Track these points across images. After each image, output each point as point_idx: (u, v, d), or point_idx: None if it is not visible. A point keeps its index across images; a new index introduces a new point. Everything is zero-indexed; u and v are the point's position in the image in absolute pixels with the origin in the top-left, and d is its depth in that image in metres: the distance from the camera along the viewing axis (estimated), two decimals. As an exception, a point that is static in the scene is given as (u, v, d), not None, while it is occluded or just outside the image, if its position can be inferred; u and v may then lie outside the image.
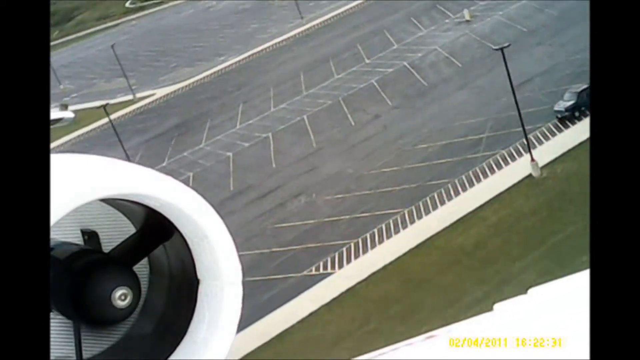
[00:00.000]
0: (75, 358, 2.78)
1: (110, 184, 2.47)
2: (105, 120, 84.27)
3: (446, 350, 2.74)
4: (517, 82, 54.72)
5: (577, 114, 45.10)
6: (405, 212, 41.44)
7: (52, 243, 2.70)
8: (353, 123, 59.34)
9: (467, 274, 33.69)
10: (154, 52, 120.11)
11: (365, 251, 39.22)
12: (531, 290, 2.97)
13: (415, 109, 57.43)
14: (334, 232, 42.53)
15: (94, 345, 2.91)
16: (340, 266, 38.65)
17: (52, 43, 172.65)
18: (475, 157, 45.10)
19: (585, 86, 46.15)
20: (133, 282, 2.66)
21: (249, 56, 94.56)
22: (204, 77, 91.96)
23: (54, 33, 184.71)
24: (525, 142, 42.65)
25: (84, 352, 2.80)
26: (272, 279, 39.49)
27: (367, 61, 74.10)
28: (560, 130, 44.90)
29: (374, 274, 36.47)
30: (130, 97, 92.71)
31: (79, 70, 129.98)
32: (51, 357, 2.45)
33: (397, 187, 45.05)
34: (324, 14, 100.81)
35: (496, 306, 3.01)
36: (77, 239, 2.92)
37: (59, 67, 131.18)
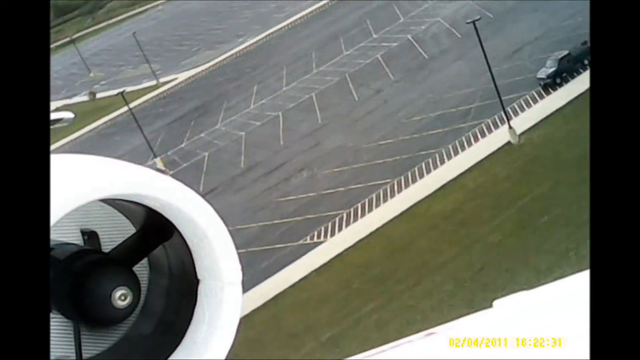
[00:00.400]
0: (75, 358, 2.77)
1: (110, 184, 2.46)
2: (132, 104, 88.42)
3: (446, 348, 2.73)
4: (510, 51, 57.18)
5: (558, 80, 47.23)
6: (395, 182, 44.28)
7: (52, 243, 2.68)
8: (357, 98, 62.10)
9: (442, 237, 36.48)
10: (178, 37, 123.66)
11: (355, 220, 42.22)
12: (532, 290, 2.97)
13: (414, 82, 59.90)
14: (330, 203, 45.57)
15: (94, 345, 2.90)
16: (332, 234, 41.74)
17: (84, 32, 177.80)
18: (463, 126, 47.61)
19: (565, 52, 48.30)
20: (133, 282, 2.65)
21: (266, 36, 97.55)
22: (223, 59, 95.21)
23: (86, 21, 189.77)
24: (509, 111, 45.18)
25: (84, 352, 2.80)
26: (272, 248, 42.76)
27: (375, 36, 76.52)
28: (541, 97, 47.14)
29: (360, 240, 39.48)
30: (154, 82, 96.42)
31: (108, 57, 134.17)
32: (51, 357, 2.47)
33: (390, 159, 47.85)
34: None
35: (496, 303, 2.99)
36: (77, 239, 2.91)
37: (90, 56, 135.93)
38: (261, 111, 69.04)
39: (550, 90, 47.32)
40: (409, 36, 71.27)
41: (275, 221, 46.49)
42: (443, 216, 38.32)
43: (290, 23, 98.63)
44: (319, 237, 42.18)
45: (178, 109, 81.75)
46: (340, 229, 42.09)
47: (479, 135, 45.51)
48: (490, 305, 2.97)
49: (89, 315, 2.65)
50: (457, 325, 2.93)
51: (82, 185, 2.41)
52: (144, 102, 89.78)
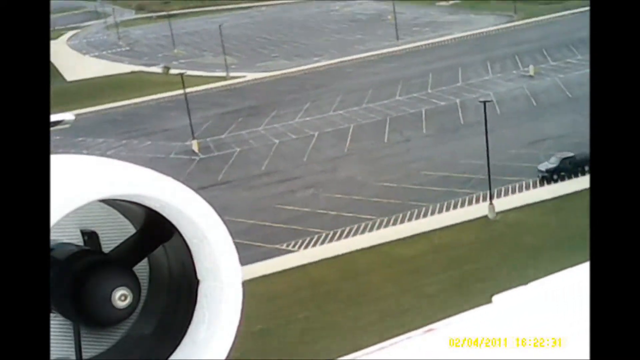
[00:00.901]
0: (75, 358, 2.79)
1: (110, 184, 2.46)
2: (196, 88, 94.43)
3: (445, 344, 2.80)
4: (534, 139, 60.67)
5: (555, 177, 50.65)
6: (377, 220, 48.30)
7: (52, 243, 2.66)
8: (386, 140, 66.28)
9: (390, 276, 40.35)
10: (264, 40, 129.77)
11: (330, 241, 46.37)
12: (531, 283, 3.02)
13: (440, 141, 63.76)
14: (318, 222, 49.77)
15: (94, 345, 2.91)
16: (305, 247, 45.97)
17: (188, 10, 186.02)
18: (459, 191, 51.33)
19: (570, 154, 51.68)
20: (133, 283, 2.65)
21: (339, 62, 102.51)
22: (292, 72, 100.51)
23: (191, 1, 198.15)
24: (503, 190, 48.87)
25: (83, 352, 2.81)
26: (251, 244, 47.16)
27: (429, 91, 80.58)
28: (535, 187, 50.59)
29: (323, 260, 43.61)
30: (224, 74, 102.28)
31: (197, 40, 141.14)
32: (51, 357, 2.46)
33: (385, 200, 51.84)
34: (418, 40, 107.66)
35: (495, 298, 3.05)
36: (77, 240, 2.92)
37: (183, 34, 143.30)
38: (301, 127, 73.73)
39: (545, 183, 50.72)
40: (458, 100, 75.14)
41: (266, 223, 50.91)
42: (400, 260, 42.17)
43: (366, 57, 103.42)
44: (294, 246, 46.45)
45: (234, 104, 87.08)
46: (314, 245, 46.28)
47: (466, 203, 49.18)
48: (490, 301, 2.92)
49: (89, 316, 2.63)
50: (456, 321, 2.91)
51: (82, 186, 2.39)
52: (209, 89, 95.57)
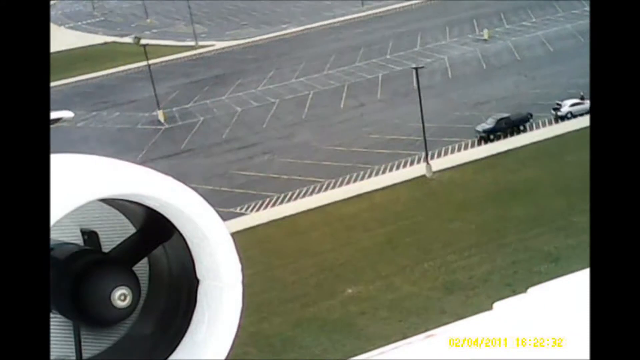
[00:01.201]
0: (75, 358, 2.80)
1: (110, 184, 2.47)
2: (165, 58, 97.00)
3: (446, 350, 2.74)
4: (479, 101, 63.93)
5: (491, 136, 54.01)
6: (326, 182, 51.65)
7: (52, 243, 2.68)
8: (342, 106, 69.39)
9: (330, 233, 43.81)
10: (235, 9, 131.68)
11: (281, 204, 49.73)
12: (531, 290, 2.95)
13: (393, 105, 66.92)
14: (271, 185, 53.09)
15: (93, 345, 2.93)
16: (257, 210, 49.32)
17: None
18: (403, 152, 54.64)
19: (505, 115, 55.03)
20: (133, 282, 2.65)
21: (305, 29, 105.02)
22: (259, 40, 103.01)
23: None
24: (443, 151, 52.22)
25: (83, 352, 2.82)
26: (208, 209, 50.46)
27: (388, 56, 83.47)
28: (473, 147, 53.97)
29: (272, 221, 46.99)
30: (194, 43, 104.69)
31: (171, 9, 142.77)
32: (51, 357, 2.48)
33: (335, 163, 55.12)
34: (383, 5, 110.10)
35: (496, 305, 2.99)
36: (77, 239, 2.92)
37: (155, 2, 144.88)
38: (264, 95, 76.66)
39: (482, 142, 54.10)
40: (413, 65, 78.07)
41: (223, 188, 54.15)
42: (341, 218, 45.60)
43: (331, 23, 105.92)
44: (247, 209, 49.80)
45: (200, 73, 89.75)
46: (265, 208, 49.65)
47: (408, 164, 52.54)
48: (490, 308, 2.96)
49: (89, 315, 2.65)
50: (457, 326, 2.92)
51: (82, 185, 2.40)
52: (177, 59, 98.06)
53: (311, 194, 50.42)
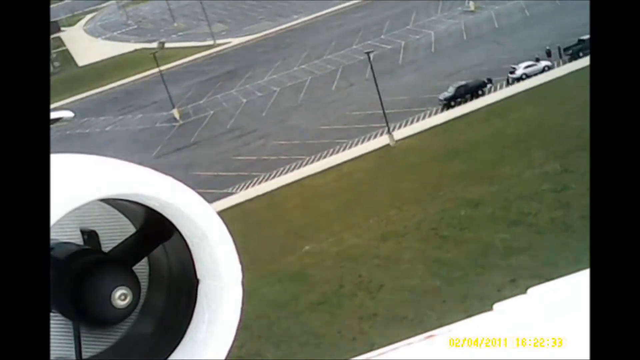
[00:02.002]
0: (75, 358, 2.81)
1: (110, 184, 2.48)
2: (185, 59, 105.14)
3: (446, 350, 2.76)
4: (451, 71, 69.87)
5: (452, 103, 60.07)
6: (306, 159, 58.70)
7: (52, 243, 2.70)
8: (334, 88, 76.16)
9: (301, 203, 50.89)
10: (255, 3, 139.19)
11: (265, 181, 57.01)
12: (531, 290, 2.97)
13: (378, 82, 73.32)
14: (260, 166, 60.38)
15: (93, 345, 2.95)
16: (245, 189, 56.74)
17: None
18: (377, 126, 61.18)
19: (463, 82, 60.99)
20: (133, 282, 2.68)
21: (313, 18, 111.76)
22: (271, 32, 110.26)
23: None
24: (408, 120, 58.67)
25: (83, 352, 2.84)
26: (206, 191, 58.01)
27: (382, 36, 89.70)
28: (435, 114, 60.17)
29: (255, 197, 54.32)
30: (212, 42, 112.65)
31: (197, 10, 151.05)
32: (51, 357, 2.50)
33: (317, 141, 62.03)
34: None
35: (496, 306, 3.01)
36: (77, 239, 2.95)
37: (183, 6, 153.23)
38: (268, 84, 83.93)
39: (445, 110, 60.26)
40: (403, 43, 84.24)
41: (221, 173, 61.74)
42: (311, 188, 52.65)
43: (335, 10, 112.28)
44: (237, 189, 57.28)
45: (215, 70, 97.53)
46: (252, 186, 57.05)
47: (378, 135, 59.11)
48: (491, 309, 3.01)
49: (89, 315, 2.67)
50: (457, 327, 2.94)
51: (82, 185, 2.40)
52: (196, 59, 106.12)
53: (292, 170, 57.51)
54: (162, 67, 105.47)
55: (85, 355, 2.88)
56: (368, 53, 59.14)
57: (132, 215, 2.94)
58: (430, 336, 2.95)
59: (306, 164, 57.84)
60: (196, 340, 2.79)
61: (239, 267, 2.76)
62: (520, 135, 50.21)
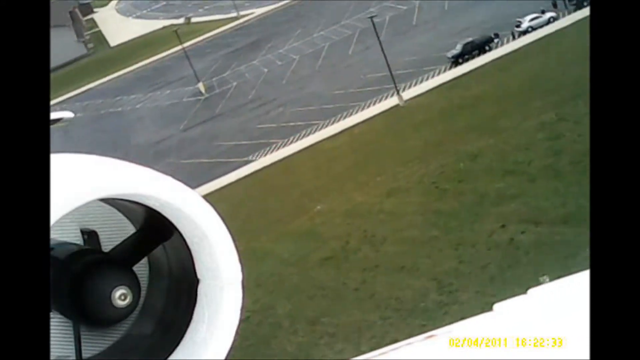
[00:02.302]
0: (75, 358, 2.82)
1: (110, 184, 2.49)
2: (210, 33, 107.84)
3: (446, 350, 2.77)
4: (460, 28, 71.18)
5: (460, 60, 61.73)
6: (321, 124, 61.14)
7: (52, 243, 2.71)
8: (350, 52, 78.15)
9: (315, 165, 53.50)
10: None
11: (282, 148, 59.69)
12: (531, 290, 2.97)
13: (391, 44, 74.84)
14: (279, 133, 63.03)
15: (94, 345, 2.96)
16: (264, 156, 59.50)
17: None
18: (389, 87, 63.23)
19: (470, 39, 62.49)
20: (133, 282, 2.69)
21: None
22: (294, 1, 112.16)
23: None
24: (421, 79, 60.64)
25: (83, 352, 2.85)
26: (228, 160, 61.05)
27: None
28: (444, 72, 61.94)
29: (272, 163, 57.10)
30: (236, 14, 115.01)
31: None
32: (51, 357, 2.51)
33: (332, 106, 64.36)
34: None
35: (496, 306, 3.00)
36: (77, 239, 2.97)
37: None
38: (287, 53, 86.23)
39: (453, 67, 62.00)
40: (417, 2, 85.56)
41: (242, 142, 64.61)
42: (323, 152, 55.18)
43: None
44: (256, 156, 60.10)
45: (239, 42, 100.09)
46: (271, 153, 59.78)
47: (389, 97, 61.19)
48: (491, 309, 3.01)
49: (89, 315, 2.69)
50: (457, 327, 2.94)
51: (82, 185, 2.41)
52: (222, 31, 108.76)
53: (308, 135, 60.05)
54: (189, 42, 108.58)
55: (85, 355, 2.88)
56: (371, 18, 60.81)
57: (132, 215, 2.95)
58: (431, 336, 2.94)
59: (321, 129, 60.28)
60: (196, 340, 2.79)
61: (239, 267, 2.77)
62: (522, 88, 51.86)
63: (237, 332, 2.70)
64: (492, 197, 40.03)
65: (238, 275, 2.76)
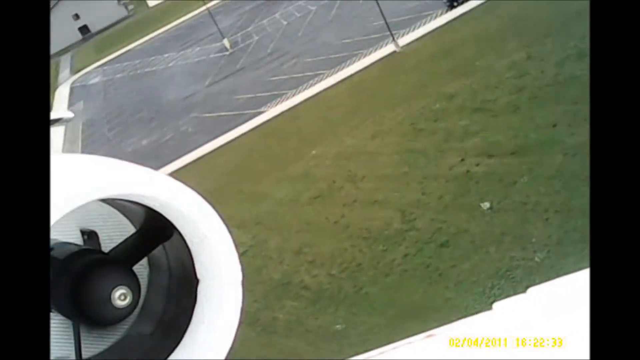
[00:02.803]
0: (75, 358, 2.83)
1: (110, 184, 2.51)
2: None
3: (446, 350, 2.77)
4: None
5: (455, 4, 65.00)
6: (326, 73, 65.63)
7: (51, 243, 2.74)
8: (361, 2, 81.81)
9: (317, 113, 58.21)
10: None
11: (290, 98, 64.52)
12: (531, 290, 2.93)
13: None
14: (289, 84, 67.76)
15: (93, 345, 2.98)
16: (274, 107, 64.47)
17: None
18: (382, 35, 67.09)
19: (468, -17, 65.52)
20: (133, 282, 2.72)
21: None
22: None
23: None
24: (418, 24, 64.30)
25: (83, 352, 2.86)
26: (242, 113, 66.23)
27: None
28: (440, 17, 65.41)
29: (281, 113, 62.02)
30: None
31: None
32: (51, 357, 2.54)
33: (339, 55, 68.64)
34: None
35: (495, 305, 2.98)
36: (77, 239, 2.98)
37: None
38: (306, 4, 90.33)
39: (448, 11, 65.38)
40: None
41: (257, 94, 69.56)
42: (326, 99, 59.77)
43: None
44: (268, 108, 65.12)
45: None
46: (280, 103, 64.70)
47: (389, 43, 65.10)
48: (490, 308, 2.98)
49: (89, 315, 2.70)
50: (456, 327, 2.92)
51: (82, 185, 2.42)
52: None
53: (314, 85, 64.68)
54: (216, 1, 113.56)
55: (85, 355, 2.89)
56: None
57: (132, 215, 2.98)
58: (430, 335, 2.93)
59: (326, 78, 64.80)
60: (196, 340, 2.80)
61: (239, 267, 2.79)
62: (500, 29, 55.30)
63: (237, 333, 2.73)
64: (459, 133, 44.23)
65: (238, 276, 2.79)
